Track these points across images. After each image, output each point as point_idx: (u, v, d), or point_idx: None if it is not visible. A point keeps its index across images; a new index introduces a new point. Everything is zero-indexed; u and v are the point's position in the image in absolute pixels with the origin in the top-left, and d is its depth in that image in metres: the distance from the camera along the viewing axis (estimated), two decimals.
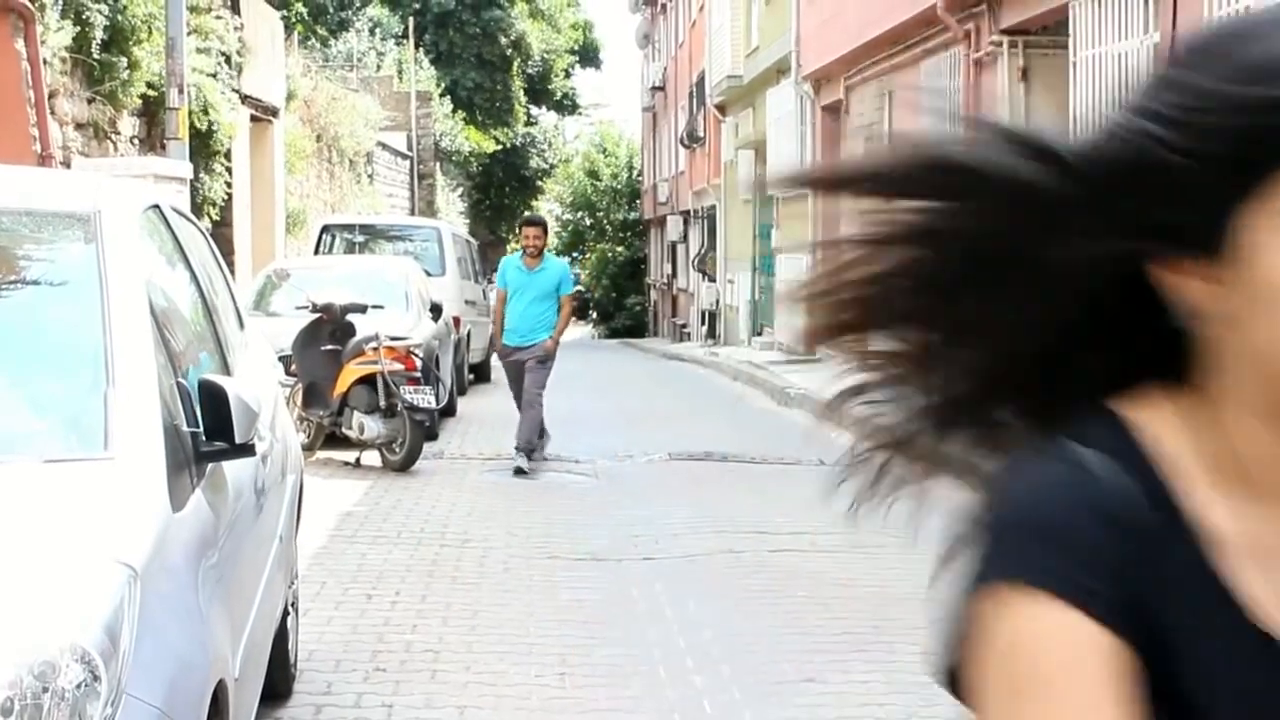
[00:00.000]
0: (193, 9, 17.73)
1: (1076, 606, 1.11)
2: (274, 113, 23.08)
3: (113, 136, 16.00)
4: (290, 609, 6.04)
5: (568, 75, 63.69)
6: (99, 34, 14.52)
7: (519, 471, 12.37)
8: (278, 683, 5.79)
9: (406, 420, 12.42)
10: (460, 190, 50.11)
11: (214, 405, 3.99)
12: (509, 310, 12.92)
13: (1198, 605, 1.15)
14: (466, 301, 20.81)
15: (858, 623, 7.45)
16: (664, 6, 47.90)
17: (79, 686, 3.00)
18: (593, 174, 56.42)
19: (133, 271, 4.19)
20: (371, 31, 48.20)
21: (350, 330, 13.04)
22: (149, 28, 15.60)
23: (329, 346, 12.99)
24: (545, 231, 13.18)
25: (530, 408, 12.74)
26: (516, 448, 12.74)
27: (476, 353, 21.70)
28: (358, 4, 48.90)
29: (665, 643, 7.08)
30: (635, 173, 56.06)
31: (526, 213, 16.77)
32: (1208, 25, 1.24)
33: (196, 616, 3.56)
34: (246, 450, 4.11)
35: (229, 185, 19.41)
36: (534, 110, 61.54)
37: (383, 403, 12.53)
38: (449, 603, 7.82)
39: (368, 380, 12.63)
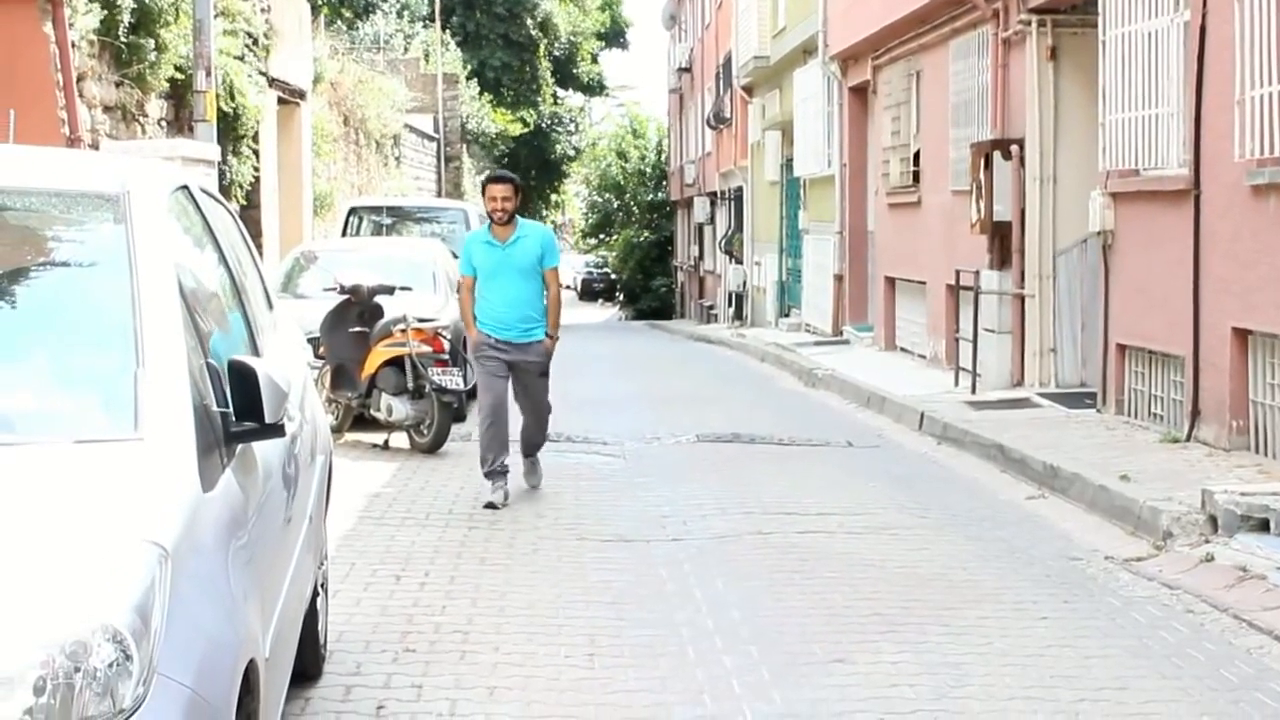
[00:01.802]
0: None
1: None
2: (301, 95, 23.11)
3: (140, 119, 16.05)
4: (320, 590, 6.05)
5: (594, 60, 63.62)
6: (126, 17, 14.56)
7: (534, 487, 10.65)
8: (308, 663, 5.81)
9: (434, 402, 12.44)
10: (487, 172, 50.14)
11: (243, 385, 3.99)
12: (485, 300, 10.26)
13: None
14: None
15: (887, 603, 7.43)
16: None
17: (111, 666, 3.02)
18: (621, 155, 56.37)
19: (162, 252, 4.19)
20: (399, 14, 48.21)
21: (378, 312, 13.05)
22: (176, 10, 15.64)
23: (357, 328, 13.01)
24: (517, 191, 10.37)
25: (539, 423, 10.70)
26: (527, 453, 10.78)
27: None
28: None
29: (693, 623, 7.07)
30: (662, 155, 56.00)
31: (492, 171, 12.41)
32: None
33: (227, 596, 3.56)
34: (276, 430, 4.11)
35: (256, 168, 19.46)
36: (560, 92, 61.52)
37: (410, 384, 12.54)
38: (478, 584, 7.83)
39: (395, 362, 12.65)
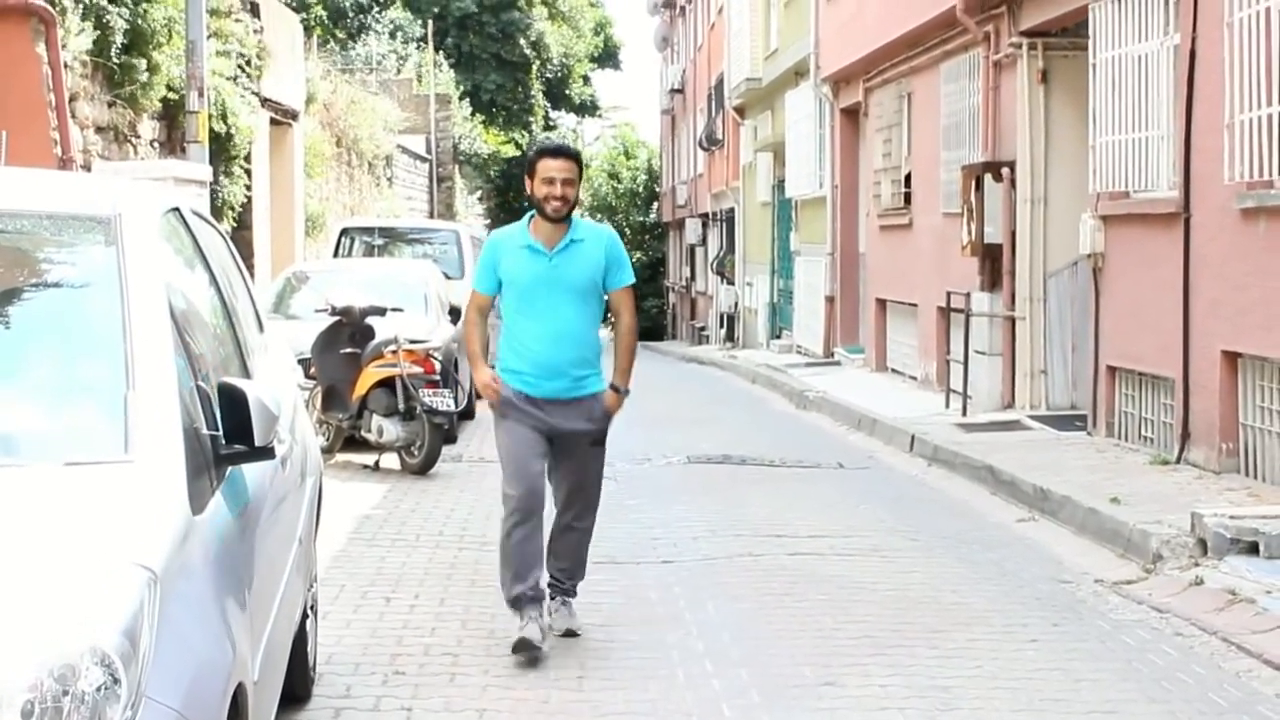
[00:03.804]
0: (213, 13, 17.78)
1: None
2: (293, 116, 23.12)
3: (133, 140, 16.05)
4: (309, 612, 6.04)
5: (587, 81, 63.76)
6: (119, 38, 14.56)
7: (570, 633, 7.21)
8: (297, 685, 5.80)
9: (425, 423, 12.44)
10: (479, 193, 50.17)
11: (234, 408, 3.99)
12: (516, 337, 6.99)
13: None
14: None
15: (877, 626, 7.44)
16: (682, 9, 47.93)
17: (99, 689, 3.01)
18: (614, 175, 56.43)
19: (153, 274, 4.20)
20: (392, 35, 48.28)
21: (369, 333, 13.05)
22: (169, 31, 15.65)
23: (348, 349, 13.01)
24: (581, 173, 7.11)
25: (584, 515, 7.33)
26: (558, 585, 7.31)
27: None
28: (377, 8, 49.02)
29: (683, 646, 7.07)
30: (654, 176, 56.11)
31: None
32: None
33: (216, 619, 3.56)
34: (266, 453, 4.11)
35: (248, 188, 19.45)
36: (553, 113, 61.62)
37: (401, 406, 12.54)
38: (468, 606, 7.82)
39: (387, 383, 12.65)
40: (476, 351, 7.19)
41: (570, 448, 7.06)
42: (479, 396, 7.74)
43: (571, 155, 7.04)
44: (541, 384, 6.94)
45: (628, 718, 6.03)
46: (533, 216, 7.03)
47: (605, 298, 7.14)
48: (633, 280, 7.21)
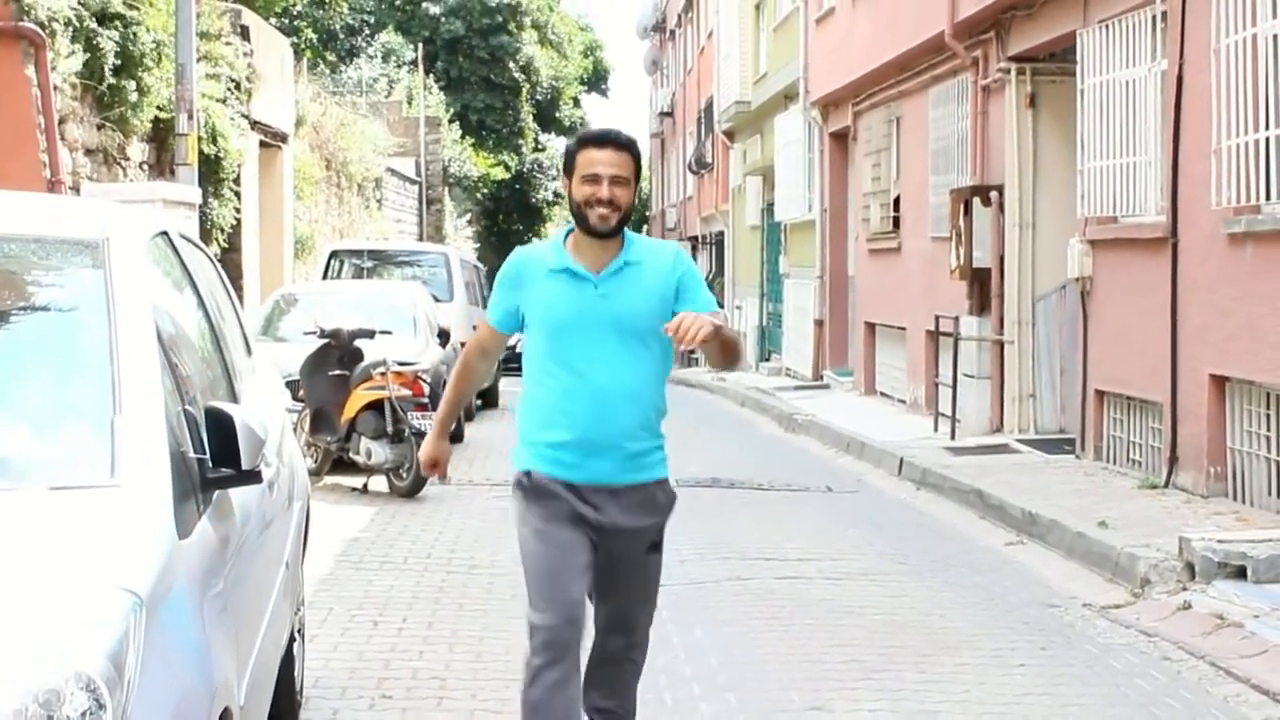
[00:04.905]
0: (203, 35, 17.80)
1: None
2: (283, 138, 23.14)
3: (122, 162, 16.05)
4: (296, 635, 6.03)
5: (576, 103, 63.93)
6: (109, 60, 14.57)
7: None
8: (283, 710, 5.77)
9: (413, 446, 12.42)
10: (468, 216, 50.23)
11: (221, 432, 3.99)
12: (543, 388, 4.93)
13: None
14: (474, 327, 20.72)
15: (865, 650, 7.43)
16: (672, 33, 48.06)
17: (84, 715, 3.01)
18: None
19: (140, 299, 4.20)
20: (384, 59, 48.38)
21: (358, 356, 13.05)
22: (159, 54, 15.66)
23: (337, 372, 13.01)
24: (639, 172, 4.97)
25: (636, 643, 5.35)
26: None
27: None
28: (367, 31, 49.09)
29: (671, 670, 7.06)
30: (643, 199, 56.20)
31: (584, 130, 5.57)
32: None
33: (202, 644, 3.55)
34: (253, 477, 4.11)
35: (238, 210, 19.46)
36: (543, 136, 61.78)
37: (390, 428, 12.53)
38: (455, 629, 7.81)
39: (375, 406, 12.64)
40: (445, 412, 5.33)
41: (620, 553, 5.08)
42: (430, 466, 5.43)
43: (624, 144, 4.89)
44: (584, 465, 4.89)
45: None
46: (570, 232, 4.98)
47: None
48: (716, 306, 4.96)
